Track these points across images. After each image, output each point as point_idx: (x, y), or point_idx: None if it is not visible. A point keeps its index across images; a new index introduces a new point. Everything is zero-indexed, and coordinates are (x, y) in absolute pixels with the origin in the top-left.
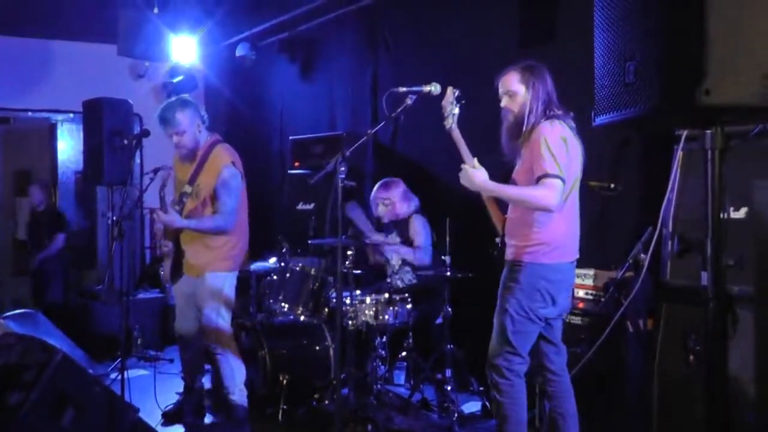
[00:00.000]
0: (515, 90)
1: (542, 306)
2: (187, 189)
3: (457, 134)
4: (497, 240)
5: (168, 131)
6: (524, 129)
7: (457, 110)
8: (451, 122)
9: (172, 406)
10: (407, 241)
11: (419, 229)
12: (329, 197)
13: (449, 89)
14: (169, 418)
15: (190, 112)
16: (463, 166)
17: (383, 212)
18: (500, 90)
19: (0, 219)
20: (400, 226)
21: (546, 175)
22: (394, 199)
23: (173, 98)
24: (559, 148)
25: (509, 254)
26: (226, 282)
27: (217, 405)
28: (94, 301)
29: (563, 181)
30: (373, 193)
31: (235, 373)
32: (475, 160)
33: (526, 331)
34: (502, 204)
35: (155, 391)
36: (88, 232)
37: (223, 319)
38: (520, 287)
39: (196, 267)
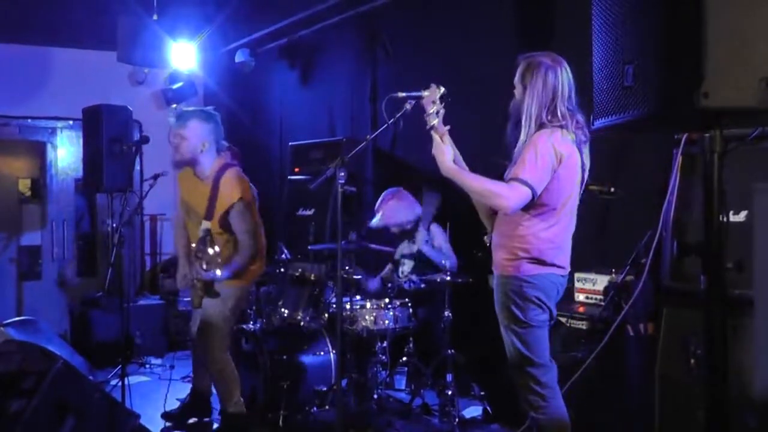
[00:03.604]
0: (515, 84)
1: (538, 313)
2: (207, 225)
3: (441, 131)
4: (485, 238)
5: (174, 129)
6: (521, 133)
7: (442, 109)
8: (434, 121)
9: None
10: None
11: (442, 236)
12: (329, 203)
13: (432, 86)
14: (169, 419)
15: (206, 126)
16: (433, 135)
17: (387, 223)
18: None
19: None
20: (410, 232)
21: (518, 179)
22: (386, 211)
23: (207, 107)
24: (546, 163)
25: (497, 265)
26: (236, 292)
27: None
28: (95, 307)
29: (533, 194)
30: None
31: (231, 388)
32: (446, 136)
33: (536, 338)
34: None
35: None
36: (89, 239)
37: (220, 325)
38: (512, 301)
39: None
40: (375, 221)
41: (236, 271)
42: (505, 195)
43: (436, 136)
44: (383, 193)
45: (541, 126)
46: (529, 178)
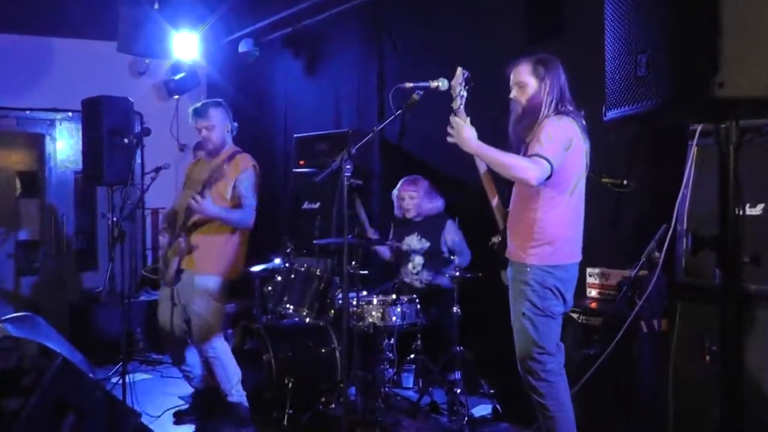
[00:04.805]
0: (525, 81)
1: (555, 304)
2: (204, 193)
3: (462, 116)
4: (495, 239)
5: (198, 124)
6: (536, 122)
7: (465, 92)
8: (459, 103)
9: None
10: (435, 243)
11: (456, 231)
12: (335, 196)
13: (459, 70)
14: (180, 418)
15: (222, 111)
16: (453, 117)
17: (409, 206)
18: (511, 80)
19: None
20: (424, 226)
21: (537, 155)
22: (418, 194)
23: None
24: (558, 142)
25: (513, 254)
26: (220, 284)
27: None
28: (95, 303)
29: (552, 168)
30: (397, 188)
31: (230, 375)
32: (468, 119)
33: (548, 329)
34: (503, 196)
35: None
36: (89, 233)
37: (212, 316)
38: (531, 289)
39: (197, 262)
40: (406, 207)
41: (226, 219)
42: (530, 167)
43: (458, 119)
44: (408, 179)
45: (556, 113)
46: (548, 154)
